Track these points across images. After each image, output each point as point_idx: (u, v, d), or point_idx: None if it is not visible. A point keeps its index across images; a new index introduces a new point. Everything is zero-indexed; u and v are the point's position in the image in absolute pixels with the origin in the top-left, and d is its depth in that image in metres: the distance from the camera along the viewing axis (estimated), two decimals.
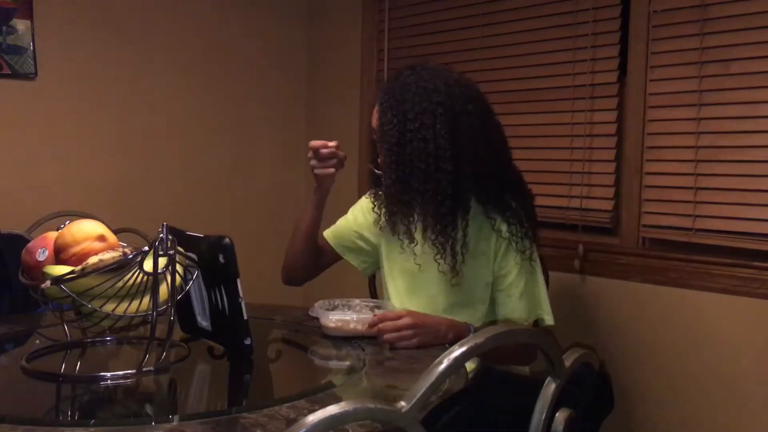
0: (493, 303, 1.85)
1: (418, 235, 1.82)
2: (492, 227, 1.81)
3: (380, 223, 1.92)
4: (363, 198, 2.05)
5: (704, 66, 2.18)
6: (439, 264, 1.78)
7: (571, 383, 1.13)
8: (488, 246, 1.82)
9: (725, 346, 2.16)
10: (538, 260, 1.85)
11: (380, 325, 1.62)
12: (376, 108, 1.85)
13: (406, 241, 1.83)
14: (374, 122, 1.86)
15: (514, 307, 1.81)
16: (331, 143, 1.89)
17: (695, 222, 2.21)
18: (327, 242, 2.05)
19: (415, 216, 1.81)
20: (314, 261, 2.03)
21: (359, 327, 1.65)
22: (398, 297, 1.93)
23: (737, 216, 2.13)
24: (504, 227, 1.81)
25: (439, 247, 1.77)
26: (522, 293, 1.81)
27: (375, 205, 1.94)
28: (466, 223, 1.78)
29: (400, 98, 1.79)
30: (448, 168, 1.74)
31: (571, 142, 2.48)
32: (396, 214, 1.84)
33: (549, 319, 1.84)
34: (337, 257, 2.06)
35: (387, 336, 1.61)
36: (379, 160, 1.85)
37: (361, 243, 2.03)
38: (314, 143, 1.89)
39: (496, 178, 1.82)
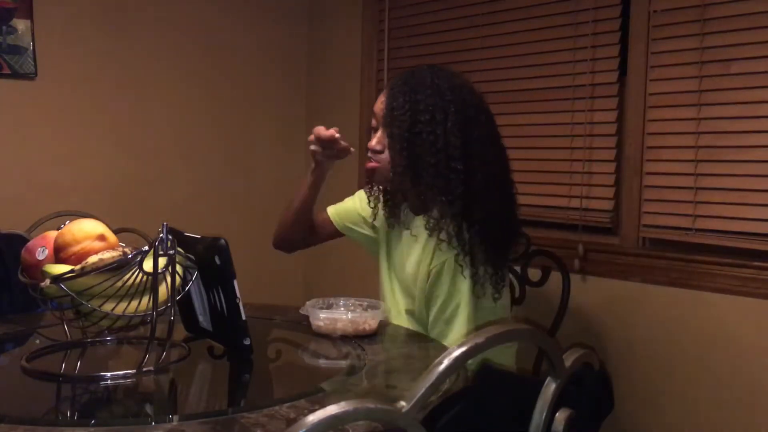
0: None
1: (425, 234, 1.79)
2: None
3: (379, 215, 1.91)
4: (362, 191, 2.03)
5: (704, 66, 2.17)
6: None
7: (571, 383, 1.13)
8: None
9: (726, 346, 2.15)
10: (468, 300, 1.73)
11: None
12: (384, 93, 1.80)
13: (413, 238, 1.81)
14: (377, 107, 1.81)
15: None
16: (333, 130, 1.85)
17: (695, 222, 2.21)
18: (329, 220, 2.06)
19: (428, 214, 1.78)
20: (303, 236, 2.07)
21: (349, 326, 1.63)
22: (393, 297, 1.92)
23: (737, 216, 2.12)
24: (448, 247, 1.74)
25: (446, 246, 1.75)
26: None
27: (371, 201, 1.93)
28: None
29: (413, 87, 1.75)
30: (458, 167, 1.71)
31: (571, 142, 2.48)
32: (402, 207, 1.83)
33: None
34: (335, 235, 2.07)
35: None
36: (376, 144, 1.81)
37: (365, 228, 2.02)
38: (318, 131, 1.86)
39: (491, 198, 1.77)
